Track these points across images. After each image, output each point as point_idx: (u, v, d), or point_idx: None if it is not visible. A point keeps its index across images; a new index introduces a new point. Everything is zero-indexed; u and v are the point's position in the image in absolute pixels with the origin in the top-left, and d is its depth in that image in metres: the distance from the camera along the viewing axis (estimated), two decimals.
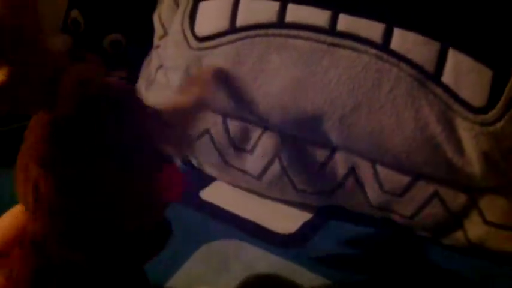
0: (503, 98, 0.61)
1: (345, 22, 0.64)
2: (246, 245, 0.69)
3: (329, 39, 0.65)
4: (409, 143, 0.63)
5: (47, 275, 0.42)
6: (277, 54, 0.67)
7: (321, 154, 0.70)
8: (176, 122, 0.52)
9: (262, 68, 0.67)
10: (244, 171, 0.75)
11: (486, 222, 0.66)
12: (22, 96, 0.37)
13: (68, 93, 0.39)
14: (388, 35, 0.63)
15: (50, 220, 0.41)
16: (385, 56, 0.63)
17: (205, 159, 0.77)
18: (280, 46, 0.66)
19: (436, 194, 0.66)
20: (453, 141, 0.62)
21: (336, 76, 0.64)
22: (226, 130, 0.73)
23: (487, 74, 0.61)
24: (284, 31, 0.66)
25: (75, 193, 0.40)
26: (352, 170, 0.69)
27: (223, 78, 0.69)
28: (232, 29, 0.69)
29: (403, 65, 0.62)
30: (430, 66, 0.62)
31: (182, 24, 0.72)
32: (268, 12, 0.67)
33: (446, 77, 0.62)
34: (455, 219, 0.67)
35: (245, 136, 0.73)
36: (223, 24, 0.69)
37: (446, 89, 0.62)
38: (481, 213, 0.66)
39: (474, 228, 0.66)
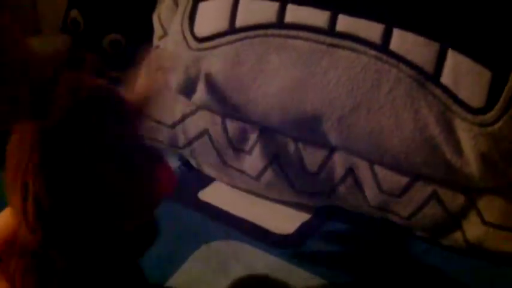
0: (501, 99, 0.61)
1: (344, 23, 0.64)
2: (245, 245, 0.69)
3: (328, 39, 0.65)
4: (408, 143, 0.63)
5: (49, 281, 0.42)
6: (276, 55, 0.67)
7: (319, 154, 0.70)
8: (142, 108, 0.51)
9: (262, 68, 0.67)
10: (242, 172, 0.75)
11: (484, 222, 0.66)
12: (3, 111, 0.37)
13: (61, 104, 0.39)
14: (387, 36, 0.63)
15: (42, 224, 0.40)
16: (384, 56, 0.63)
17: (204, 159, 0.77)
18: (280, 46, 0.67)
19: (434, 195, 0.66)
20: (452, 142, 0.62)
21: (335, 77, 0.64)
22: (225, 130, 0.73)
23: (485, 75, 0.61)
24: (283, 31, 0.66)
25: (73, 198, 0.40)
26: (350, 171, 0.69)
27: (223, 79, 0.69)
28: (232, 29, 0.69)
29: (403, 66, 0.62)
30: (429, 67, 0.62)
31: (181, 25, 0.72)
32: (267, 12, 0.67)
33: (446, 78, 0.62)
34: (454, 220, 0.67)
35: (244, 136, 0.73)
36: (222, 24, 0.69)
37: (445, 89, 0.62)
38: (479, 214, 0.66)
39: (472, 229, 0.67)
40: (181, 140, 0.77)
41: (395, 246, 0.71)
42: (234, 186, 0.78)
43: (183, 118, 0.76)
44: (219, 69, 0.69)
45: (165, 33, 0.79)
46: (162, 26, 0.80)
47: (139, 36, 0.87)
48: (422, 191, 0.67)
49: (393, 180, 0.67)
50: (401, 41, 0.63)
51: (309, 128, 0.68)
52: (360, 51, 0.64)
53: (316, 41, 0.65)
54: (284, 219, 0.74)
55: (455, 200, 0.66)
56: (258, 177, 0.73)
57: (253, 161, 0.73)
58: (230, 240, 0.69)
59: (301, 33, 0.66)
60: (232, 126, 0.73)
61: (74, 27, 0.97)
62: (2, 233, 0.43)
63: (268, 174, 0.72)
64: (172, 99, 0.75)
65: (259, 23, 0.68)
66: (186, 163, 0.81)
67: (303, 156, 0.70)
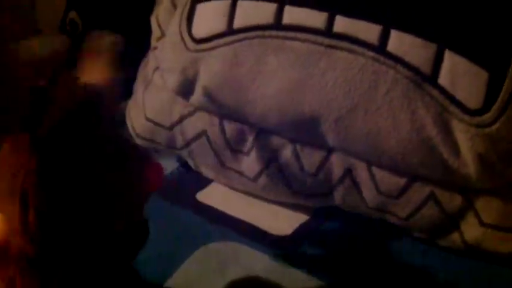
0: (499, 100, 0.61)
1: (341, 24, 0.64)
2: (243, 246, 0.69)
3: (326, 41, 0.65)
4: (405, 144, 0.63)
5: (50, 282, 0.42)
6: (274, 56, 0.67)
7: (317, 156, 0.70)
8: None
9: (260, 69, 0.67)
10: (240, 173, 0.75)
11: (482, 223, 0.66)
12: None
13: (61, 105, 0.39)
14: (384, 37, 0.63)
15: (43, 233, 0.40)
16: (381, 58, 0.63)
17: (202, 160, 0.77)
18: (278, 48, 0.67)
19: (432, 196, 0.66)
20: (449, 143, 0.62)
21: (332, 78, 0.64)
22: (223, 131, 0.73)
23: (483, 76, 0.61)
24: (281, 33, 0.66)
25: (69, 201, 0.40)
26: (348, 172, 0.69)
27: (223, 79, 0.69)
28: (230, 30, 0.69)
29: (400, 67, 0.62)
30: (426, 68, 0.62)
31: (179, 26, 0.72)
32: (265, 13, 0.67)
33: (443, 79, 0.62)
34: (452, 221, 0.67)
35: (241, 138, 0.73)
36: (220, 25, 0.69)
37: (442, 90, 0.62)
38: (477, 215, 0.66)
39: (470, 230, 0.67)
40: (180, 141, 0.77)
41: (393, 247, 0.71)
42: (232, 188, 0.78)
43: (181, 119, 0.76)
44: (217, 71, 0.69)
45: (163, 35, 0.79)
46: (160, 27, 0.80)
47: (138, 37, 0.87)
48: (419, 192, 0.67)
49: (391, 181, 0.67)
50: (399, 42, 0.63)
51: (306, 130, 0.68)
52: (357, 53, 0.64)
53: (314, 42, 0.65)
54: (282, 221, 0.74)
55: (452, 201, 0.66)
56: (255, 179, 0.73)
57: (250, 162, 0.73)
58: (228, 241, 0.69)
59: (299, 35, 0.66)
60: (230, 127, 0.73)
61: (73, 28, 0.97)
62: None
63: (266, 176, 0.72)
64: (170, 101, 0.76)
65: (257, 24, 0.68)
66: (184, 164, 0.81)
67: (301, 158, 0.70)
